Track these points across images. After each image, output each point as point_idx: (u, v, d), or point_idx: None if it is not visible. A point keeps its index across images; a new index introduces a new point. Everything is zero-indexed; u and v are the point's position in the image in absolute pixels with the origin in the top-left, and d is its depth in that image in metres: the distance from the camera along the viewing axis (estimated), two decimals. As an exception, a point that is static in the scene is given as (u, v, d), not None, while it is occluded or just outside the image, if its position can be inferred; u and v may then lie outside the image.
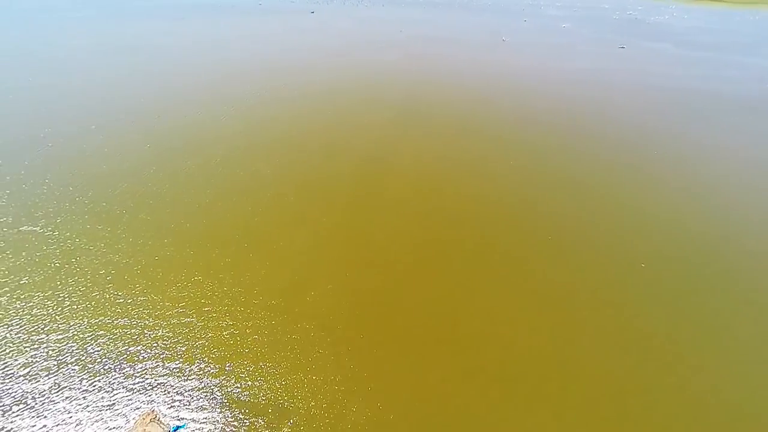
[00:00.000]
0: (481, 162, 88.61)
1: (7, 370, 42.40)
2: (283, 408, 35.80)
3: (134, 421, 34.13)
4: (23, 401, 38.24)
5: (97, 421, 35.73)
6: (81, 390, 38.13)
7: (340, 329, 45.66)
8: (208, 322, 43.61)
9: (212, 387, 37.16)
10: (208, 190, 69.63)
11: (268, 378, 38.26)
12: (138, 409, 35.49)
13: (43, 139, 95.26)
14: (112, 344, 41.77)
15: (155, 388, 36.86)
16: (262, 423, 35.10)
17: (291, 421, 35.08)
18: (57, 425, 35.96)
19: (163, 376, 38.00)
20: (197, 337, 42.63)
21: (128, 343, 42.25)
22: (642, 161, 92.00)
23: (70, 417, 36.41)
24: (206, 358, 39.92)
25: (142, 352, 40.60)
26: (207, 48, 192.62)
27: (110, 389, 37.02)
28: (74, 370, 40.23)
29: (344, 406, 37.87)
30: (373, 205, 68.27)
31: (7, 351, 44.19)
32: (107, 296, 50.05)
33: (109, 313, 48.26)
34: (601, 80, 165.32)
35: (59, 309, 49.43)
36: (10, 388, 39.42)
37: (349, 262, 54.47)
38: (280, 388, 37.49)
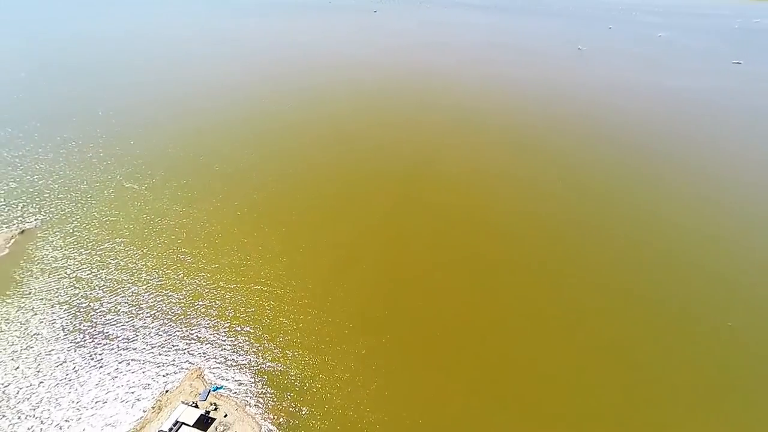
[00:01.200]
0: (535, 178, 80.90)
1: (96, 311, 49.72)
2: (305, 390, 37.06)
3: (184, 374, 37.80)
4: (106, 342, 44.41)
5: (157, 366, 40.17)
6: (149, 338, 43.33)
7: (366, 329, 46.07)
8: (253, 299, 46.89)
9: (249, 358, 39.86)
10: (269, 176, 74.47)
11: (298, 361, 40.08)
12: (188, 363, 39.16)
13: (149, 118, 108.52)
14: (176, 300, 46.97)
15: (203, 350, 40.40)
16: (288, 399, 36.60)
17: (311, 405, 36.23)
18: (128, 364, 41.03)
19: (210, 339, 41.53)
20: (242, 309, 45.93)
21: (189, 301, 47.01)
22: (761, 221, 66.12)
23: (139, 360, 41.45)
24: (248, 330, 42.89)
25: (198, 312, 45.12)
26: (280, 43, 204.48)
27: (170, 342, 41.60)
28: (147, 320, 45.83)
29: (360, 402, 38.39)
30: (416, 209, 66.83)
31: (97, 292, 51.52)
32: (178, 256, 56.20)
33: (179, 271, 54.13)
34: (704, 101, 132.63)
35: (143, 261, 56.86)
36: (97, 328, 46.36)
37: (385, 263, 54.44)
38: (306, 372, 38.98)
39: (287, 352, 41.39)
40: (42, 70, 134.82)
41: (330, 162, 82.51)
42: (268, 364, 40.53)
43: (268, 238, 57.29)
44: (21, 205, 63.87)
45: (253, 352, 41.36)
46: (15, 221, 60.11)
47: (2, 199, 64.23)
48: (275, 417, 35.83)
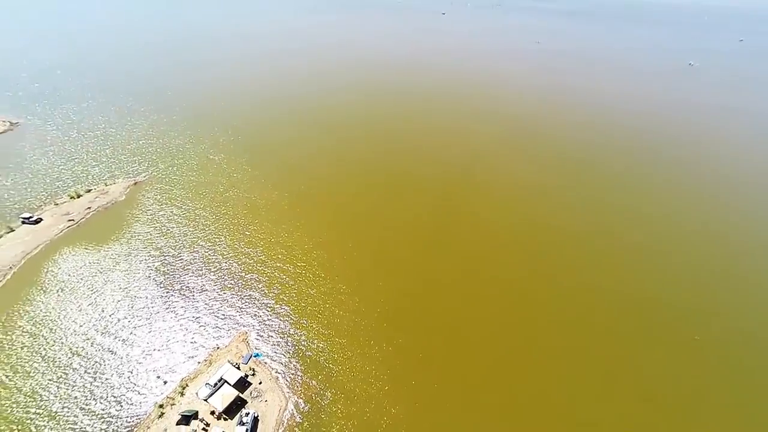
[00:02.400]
0: (583, 197, 69.79)
1: (176, 262, 55.69)
2: (332, 376, 37.40)
3: (233, 335, 40.88)
4: (180, 293, 49.64)
5: (214, 323, 43.89)
6: (211, 296, 47.55)
7: (394, 328, 45.09)
8: (297, 281, 48.60)
9: (287, 335, 41.44)
10: (325, 167, 76.27)
11: (329, 348, 40.59)
12: (238, 326, 42.30)
13: (230, 106, 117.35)
14: (235, 267, 50.77)
15: (251, 317, 43.16)
16: (315, 381, 37.42)
17: (335, 391, 36.53)
18: (193, 317, 45.38)
19: (257, 309, 44.23)
20: (287, 289, 47.83)
21: (245, 271, 50.47)
22: None
23: (201, 315, 45.70)
24: (289, 310, 44.68)
25: (251, 282, 48.35)
26: (346, 41, 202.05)
27: (226, 304, 45.22)
28: (211, 280, 50.35)
29: (381, 397, 37.46)
30: (455, 219, 62.74)
31: (179, 246, 57.27)
32: (241, 226, 60.77)
33: (240, 241, 58.45)
34: None
35: (214, 225, 62.36)
36: (175, 278, 52.02)
37: (421, 267, 52.29)
38: (334, 360, 39.29)
39: (321, 338, 42.31)
40: (154, 62, 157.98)
41: (379, 159, 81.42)
42: (303, 344, 42.10)
43: (317, 227, 58.46)
44: (137, 162, 75.37)
45: (292, 330, 42.93)
46: (131, 174, 71.26)
47: (126, 157, 76.63)
48: (302, 395, 37.00)
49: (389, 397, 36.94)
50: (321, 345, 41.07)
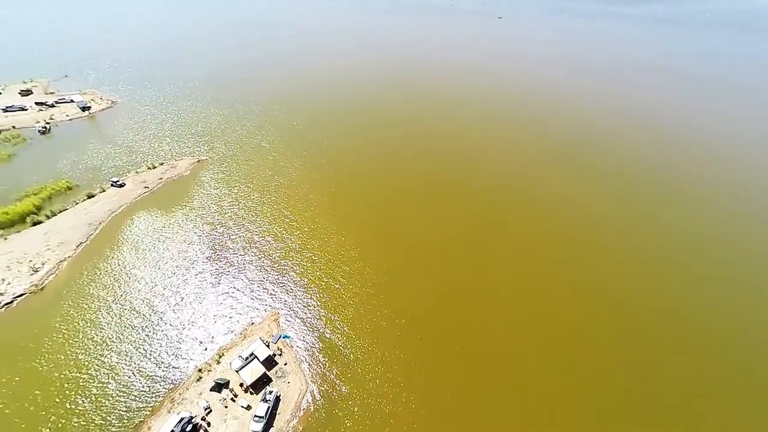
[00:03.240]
0: (634, 220, 61.24)
1: (225, 238, 58.61)
2: (351, 370, 35.75)
3: (266, 314, 42.12)
4: (225, 267, 52.04)
5: (251, 300, 45.53)
6: (251, 274, 49.29)
7: (419, 333, 43.08)
8: (329, 271, 48.25)
9: (315, 322, 41.31)
10: (369, 163, 74.92)
11: (352, 343, 39.79)
12: (271, 306, 43.47)
13: (284, 99, 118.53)
14: (274, 249, 51.87)
15: (284, 299, 43.89)
16: (335, 372, 37.11)
17: (352, 385, 35.06)
18: (234, 291, 47.43)
19: (291, 292, 44.90)
20: (319, 278, 47.79)
21: (282, 254, 51.58)
22: None
23: (241, 290, 47.70)
24: (319, 298, 44.64)
25: (287, 266, 49.22)
26: (399, 43, 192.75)
27: (264, 283, 46.51)
28: (253, 258, 52.16)
29: (397, 398, 35.49)
30: (493, 230, 57.31)
31: (229, 223, 60.47)
32: (282, 212, 62.13)
33: (280, 226, 59.82)
34: None
35: (259, 207, 64.57)
36: (223, 252, 54.72)
37: (455, 274, 49.09)
38: (356, 355, 38.36)
39: (343, 333, 41.65)
40: (235, 58, 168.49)
41: (423, 163, 77.56)
42: (326, 336, 42.13)
43: (353, 224, 57.58)
44: (202, 142, 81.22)
45: (320, 319, 42.95)
46: (196, 153, 76.94)
47: (193, 138, 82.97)
48: (321, 384, 37.00)
49: (402, 403, 35.36)
50: (343, 340, 40.58)
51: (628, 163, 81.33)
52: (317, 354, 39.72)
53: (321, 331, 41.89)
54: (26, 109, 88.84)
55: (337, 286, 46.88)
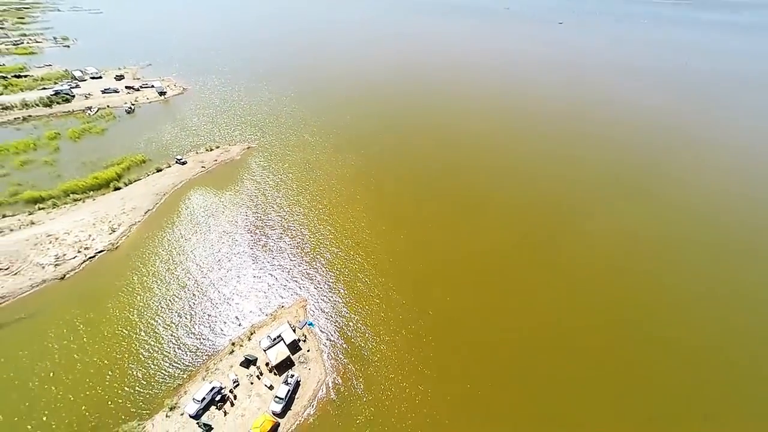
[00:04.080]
0: (689, 252, 52.44)
1: (264, 221, 60.48)
2: (369, 370, 34.09)
3: (295, 299, 42.57)
4: (263, 249, 53.40)
5: (283, 284, 46.25)
6: (284, 260, 50.05)
7: (440, 345, 40.75)
8: (358, 268, 47.02)
9: (339, 315, 40.38)
10: (410, 174, 69.96)
11: (373, 344, 38.22)
12: (299, 293, 43.80)
13: (331, 97, 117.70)
14: (307, 239, 51.98)
15: (312, 288, 43.98)
16: (352, 368, 36.16)
17: (367, 384, 33.53)
18: (269, 273, 48.58)
19: (319, 283, 44.80)
20: (346, 273, 46.94)
21: (314, 245, 51.74)
22: None
23: (275, 272, 48.63)
24: (345, 292, 44.00)
25: (317, 257, 49.21)
26: (451, 48, 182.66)
27: (294, 270, 46.86)
28: (287, 245, 52.92)
29: (411, 403, 33.23)
30: (535, 256, 51.61)
31: (269, 209, 62.05)
32: (317, 204, 62.57)
33: (315, 217, 60.20)
34: None
35: (297, 197, 65.43)
36: (261, 235, 56.41)
37: (483, 292, 44.82)
38: (376, 357, 36.01)
39: (367, 332, 40.50)
40: (300, 55, 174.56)
41: (470, 174, 72.85)
42: (349, 329, 41.47)
43: (386, 225, 56.00)
44: (253, 130, 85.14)
45: (343, 315, 42.27)
46: (247, 139, 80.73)
47: (246, 126, 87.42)
48: (338, 377, 36.35)
49: (416, 410, 33.46)
50: (363, 340, 39.54)
51: (713, 202, 65.55)
52: (337, 348, 39.21)
53: (343, 327, 41.32)
54: (118, 92, 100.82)
55: (362, 287, 45.69)
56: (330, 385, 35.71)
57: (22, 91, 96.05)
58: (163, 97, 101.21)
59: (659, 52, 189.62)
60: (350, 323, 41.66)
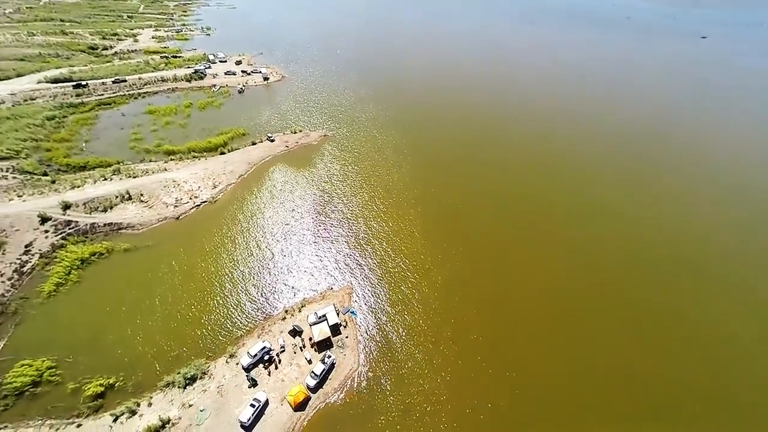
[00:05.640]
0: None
1: (328, 201, 61.49)
2: (402, 372, 31.54)
3: (342, 285, 42.20)
4: (323, 233, 53.96)
5: (335, 268, 46.25)
6: (339, 245, 49.94)
7: (479, 361, 35.15)
8: (407, 273, 43.76)
9: (380, 310, 36.95)
10: (468, 174, 64.85)
11: (408, 346, 32.75)
12: (348, 280, 43.31)
13: (405, 99, 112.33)
14: (360, 231, 50.50)
15: (360, 278, 42.53)
16: (383, 366, 31.00)
17: (396, 383, 30.93)
18: (325, 254, 48.99)
19: (367, 274, 43.38)
20: (393, 273, 44.28)
21: (366, 241, 50.49)
22: None
23: (330, 256, 48.85)
24: (389, 291, 41.54)
25: (368, 250, 47.45)
26: (563, 63, 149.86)
27: (347, 258, 46.54)
28: (344, 231, 52.80)
29: (437, 413, 30.73)
30: (605, 304, 41.11)
31: (333, 193, 62.46)
32: (373, 197, 60.38)
33: (368, 211, 58.30)
34: None
35: (357, 191, 64.84)
36: (324, 219, 57.42)
37: (530, 315, 38.51)
38: (407, 359, 32.25)
39: (404, 335, 37.83)
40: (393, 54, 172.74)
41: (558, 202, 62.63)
42: (388, 328, 39.45)
43: (444, 234, 51.75)
44: (330, 120, 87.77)
45: (384, 313, 40.38)
46: (325, 128, 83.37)
47: (325, 114, 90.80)
48: (369, 370, 34.83)
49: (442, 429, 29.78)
50: (399, 342, 37.10)
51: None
52: (373, 342, 37.47)
53: (381, 324, 39.31)
54: (235, 74, 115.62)
55: (406, 292, 42.82)
56: (361, 376, 34.44)
57: (175, 68, 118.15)
58: (266, 82, 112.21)
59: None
60: (389, 322, 39.49)
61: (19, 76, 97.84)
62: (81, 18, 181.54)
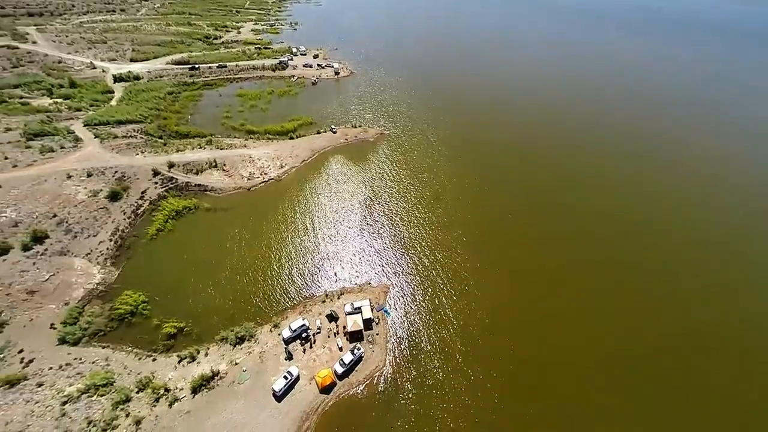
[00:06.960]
0: None
1: (375, 201, 59.25)
2: (425, 384, 29.07)
3: (379, 282, 40.56)
4: (367, 229, 52.58)
5: (376, 265, 44.90)
6: (382, 242, 48.67)
7: (508, 383, 31.60)
8: (445, 284, 40.77)
9: (414, 317, 32.11)
10: (530, 208, 56.69)
11: (437, 357, 30.67)
12: (385, 279, 41.45)
13: (466, 102, 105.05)
14: (404, 237, 48.11)
15: (399, 279, 40.29)
16: (411, 373, 28.01)
17: (420, 392, 29.23)
18: (369, 249, 47.81)
19: (402, 280, 40.16)
20: (431, 281, 40.98)
21: (407, 245, 47.16)
22: None
23: (372, 253, 47.23)
24: (424, 298, 38.40)
25: (406, 253, 43.19)
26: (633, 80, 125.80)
27: (388, 257, 44.44)
28: (387, 231, 50.63)
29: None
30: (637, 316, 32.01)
31: (382, 190, 51.25)
32: (422, 208, 57.07)
33: (417, 218, 54.38)
34: None
35: (404, 194, 61.64)
36: (367, 218, 55.57)
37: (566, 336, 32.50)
38: (436, 370, 31.24)
39: (435, 346, 35.42)
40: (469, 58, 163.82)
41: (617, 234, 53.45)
42: (419, 335, 36.43)
43: (488, 253, 47.27)
44: (388, 120, 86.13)
45: (418, 318, 38.33)
46: (383, 126, 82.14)
47: (385, 113, 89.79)
48: (394, 373, 33.25)
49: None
50: (429, 349, 34.79)
51: None
52: (402, 346, 35.51)
53: (413, 329, 37.08)
54: (312, 67, 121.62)
55: (445, 303, 39.83)
56: (385, 376, 33.05)
57: (264, 58, 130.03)
58: (336, 76, 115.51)
59: None
60: (420, 329, 37.01)
61: (155, 57, 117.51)
62: (202, 12, 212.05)
